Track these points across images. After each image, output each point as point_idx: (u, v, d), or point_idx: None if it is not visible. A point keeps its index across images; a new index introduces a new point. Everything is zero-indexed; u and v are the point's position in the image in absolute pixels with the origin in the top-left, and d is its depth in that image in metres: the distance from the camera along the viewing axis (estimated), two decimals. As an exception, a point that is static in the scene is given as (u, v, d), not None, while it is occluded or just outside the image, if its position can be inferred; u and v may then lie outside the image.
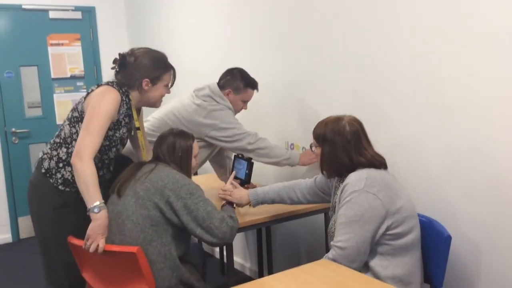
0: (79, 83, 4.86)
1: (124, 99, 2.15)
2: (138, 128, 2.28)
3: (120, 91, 2.13)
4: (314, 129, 1.97)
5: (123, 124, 2.18)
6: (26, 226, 4.65)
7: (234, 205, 2.23)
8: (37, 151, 4.55)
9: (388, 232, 1.78)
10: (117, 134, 2.17)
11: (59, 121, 4.74)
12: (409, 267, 1.81)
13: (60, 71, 4.76)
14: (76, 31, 4.82)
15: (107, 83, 2.15)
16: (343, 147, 1.85)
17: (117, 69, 2.19)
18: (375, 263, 1.79)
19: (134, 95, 2.20)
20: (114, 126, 2.13)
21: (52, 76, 4.72)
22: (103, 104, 2.03)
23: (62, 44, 4.76)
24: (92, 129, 1.98)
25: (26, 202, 4.50)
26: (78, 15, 4.81)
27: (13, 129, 4.55)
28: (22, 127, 4.60)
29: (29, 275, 3.76)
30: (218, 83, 2.74)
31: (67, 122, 2.16)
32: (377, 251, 1.80)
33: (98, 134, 1.99)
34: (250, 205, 2.26)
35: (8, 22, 4.51)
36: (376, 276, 1.77)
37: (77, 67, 4.84)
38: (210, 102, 2.65)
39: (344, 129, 1.87)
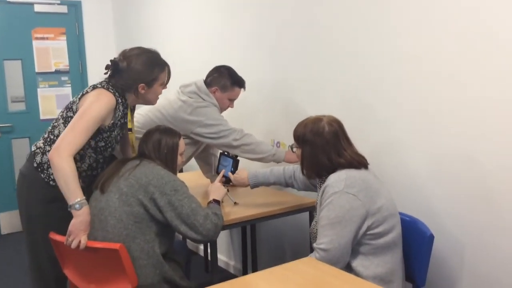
0: (64, 78, 4.80)
1: (120, 100, 2.13)
2: (130, 130, 2.27)
3: (116, 93, 2.11)
4: (294, 130, 1.97)
5: (118, 126, 2.17)
6: (8, 221, 4.59)
7: (221, 201, 2.23)
8: (20, 146, 4.56)
9: (369, 232, 1.79)
10: (112, 135, 2.16)
11: (43, 116, 4.69)
12: (391, 265, 1.82)
13: (44, 65, 4.69)
14: (61, 25, 4.75)
15: (103, 86, 2.11)
16: (322, 148, 1.86)
17: (111, 75, 2.15)
18: (357, 263, 1.80)
19: (129, 96, 2.18)
20: (110, 128, 2.12)
21: (37, 70, 4.66)
22: (95, 107, 2.01)
23: (47, 38, 4.69)
24: (77, 128, 1.95)
25: (7, 198, 4.55)
26: (64, 9, 4.75)
27: (-4, 124, 4.49)
28: (4, 121, 4.53)
29: (12, 271, 3.71)
30: (205, 81, 2.72)
31: (61, 121, 2.13)
32: (358, 251, 1.81)
33: (81, 134, 1.96)
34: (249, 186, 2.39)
35: (-8, 15, 4.44)
36: (358, 276, 1.77)
37: (62, 61, 4.78)
38: (196, 99, 2.64)
39: (324, 130, 1.87)
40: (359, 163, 1.87)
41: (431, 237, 1.87)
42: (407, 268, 1.95)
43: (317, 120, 1.91)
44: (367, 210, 1.77)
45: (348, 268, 1.81)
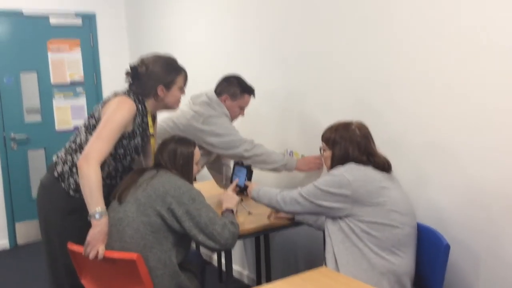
0: (79, 89, 4.86)
1: (140, 108, 2.17)
2: (152, 135, 2.30)
3: (136, 100, 2.16)
4: (324, 133, 2.09)
5: (138, 134, 2.20)
6: (24, 232, 4.64)
7: (235, 211, 2.24)
8: (36, 157, 4.63)
9: (366, 219, 1.86)
10: (132, 143, 2.19)
11: (58, 127, 4.75)
12: (403, 265, 1.87)
13: (59, 77, 4.77)
14: (76, 37, 4.83)
15: (124, 93, 2.17)
16: (353, 149, 1.98)
17: (131, 81, 2.21)
18: (370, 255, 1.85)
19: (150, 102, 2.23)
20: (129, 135, 2.15)
21: (52, 82, 4.73)
22: (118, 113, 2.06)
23: (62, 50, 4.77)
24: (103, 136, 1.99)
25: (23, 208, 4.61)
26: (78, 21, 4.83)
27: (12, 135, 4.55)
28: (21, 132, 4.60)
29: (27, 281, 3.75)
30: (215, 90, 2.75)
31: (83, 129, 2.18)
32: (370, 244, 1.86)
33: (108, 141, 2.00)
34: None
35: (9, 28, 4.53)
36: (375, 268, 1.83)
37: (76, 73, 4.85)
38: (208, 109, 2.66)
39: (355, 133, 2.00)
40: (389, 165, 1.98)
41: (447, 246, 1.87)
42: (424, 278, 1.95)
43: (347, 124, 2.05)
44: (356, 198, 1.87)
45: (364, 258, 1.85)
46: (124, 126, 2.08)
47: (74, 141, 2.19)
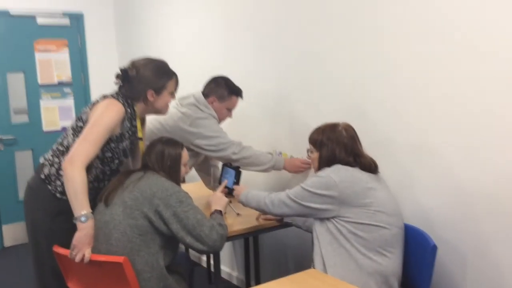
0: (67, 90, 4.82)
1: (129, 111, 2.15)
2: (140, 138, 2.28)
3: (125, 104, 2.14)
4: (311, 135, 2.09)
5: (126, 137, 2.18)
6: (11, 234, 4.58)
7: (223, 213, 2.23)
8: (23, 158, 4.58)
9: (352, 220, 1.87)
10: (120, 147, 2.17)
11: (45, 127, 4.71)
12: (390, 265, 1.87)
13: (47, 77, 4.72)
14: (64, 37, 4.78)
15: (112, 96, 2.15)
16: (340, 150, 1.98)
17: (121, 84, 2.19)
18: (357, 256, 1.86)
19: (139, 106, 2.21)
20: (117, 139, 2.14)
21: (39, 82, 4.68)
22: (106, 116, 2.04)
23: (50, 50, 4.72)
24: (89, 138, 1.97)
25: (10, 210, 4.55)
26: (66, 21, 4.78)
27: (-1, 136, 4.50)
28: (7, 133, 4.55)
29: (15, 283, 3.71)
30: (203, 92, 2.74)
31: (71, 131, 2.15)
32: (357, 245, 1.86)
33: (94, 144, 1.98)
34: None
35: (-5, 28, 4.48)
36: (362, 268, 1.84)
37: (64, 73, 4.81)
38: (195, 110, 2.65)
39: (341, 134, 2.00)
40: (375, 166, 1.99)
41: (434, 247, 1.88)
42: (411, 278, 1.96)
43: (334, 125, 2.05)
44: (343, 200, 1.88)
45: (352, 259, 1.85)
46: (112, 129, 2.06)
47: (62, 144, 2.17)
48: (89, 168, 2.11)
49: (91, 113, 2.10)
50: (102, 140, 2.02)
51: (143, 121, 2.35)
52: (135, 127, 2.23)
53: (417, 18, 2.07)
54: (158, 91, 2.19)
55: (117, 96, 2.15)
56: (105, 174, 2.20)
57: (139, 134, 2.27)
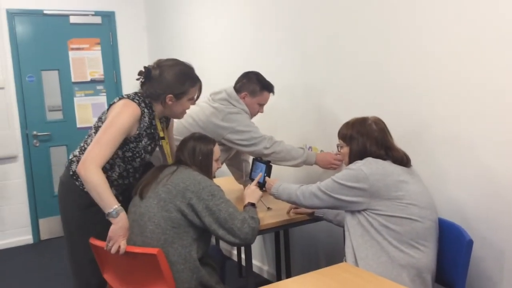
0: (99, 87, 4.93)
1: (146, 111, 2.14)
2: (162, 138, 2.29)
3: (142, 103, 2.13)
4: (340, 130, 2.08)
5: (144, 135, 2.17)
6: (47, 227, 4.73)
7: (256, 206, 2.24)
8: (58, 153, 4.71)
9: (383, 213, 1.85)
10: (139, 146, 2.17)
11: (79, 124, 4.83)
12: (424, 259, 1.85)
13: (80, 75, 4.84)
14: (96, 35, 4.89)
15: (128, 96, 2.14)
16: (371, 144, 1.97)
17: (143, 81, 2.18)
18: (389, 249, 1.84)
19: (157, 106, 2.18)
20: (135, 139, 2.14)
21: (73, 80, 4.80)
22: (120, 118, 2.04)
23: (83, 49, 4.83)
24: (102, 141, 1.98)
25: (46, 204, 4.70)
26: (98, 19, 4.88)
27: (35, 132, 4.63)
28: (43, 130, 4.68)
29: (51, 276, 3.82)
30: (234, 87, 2.75)
31: (93, 131, 2.19)
32: (389, 237, 1.85)
33: (108, 146, 1.98)
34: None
35: (30, 27, 4.60)
36: (394, 260, 1.82)
37: (97, 71, 4.91)
38: (227, 105, 2.67)
39: (371, 128, 1.98)
40: (408, 159, 1.97)
41: (470, 242, 1.84)
42: (446, 274, 1.92)
43: (363, 119, 2.04)
44: (373, 192, 1.86)
45: (383, 252, 1.84)
46: (127, 130, 2.06)
47: (86, 141, 2.21)
48: (112, 167, 2.15)
49: (108, 114, 2.11)
50: (116, 141, 2.01)
51: (168, 120, 2.34)
52: (155, 126, 2.21)
53: (450, 9, 2.02)
54: (177, 96, 2.15)
55: (133, 96, 2.14)
56: (128, 172, 2.22)
57: (160, 134, 2.25)
